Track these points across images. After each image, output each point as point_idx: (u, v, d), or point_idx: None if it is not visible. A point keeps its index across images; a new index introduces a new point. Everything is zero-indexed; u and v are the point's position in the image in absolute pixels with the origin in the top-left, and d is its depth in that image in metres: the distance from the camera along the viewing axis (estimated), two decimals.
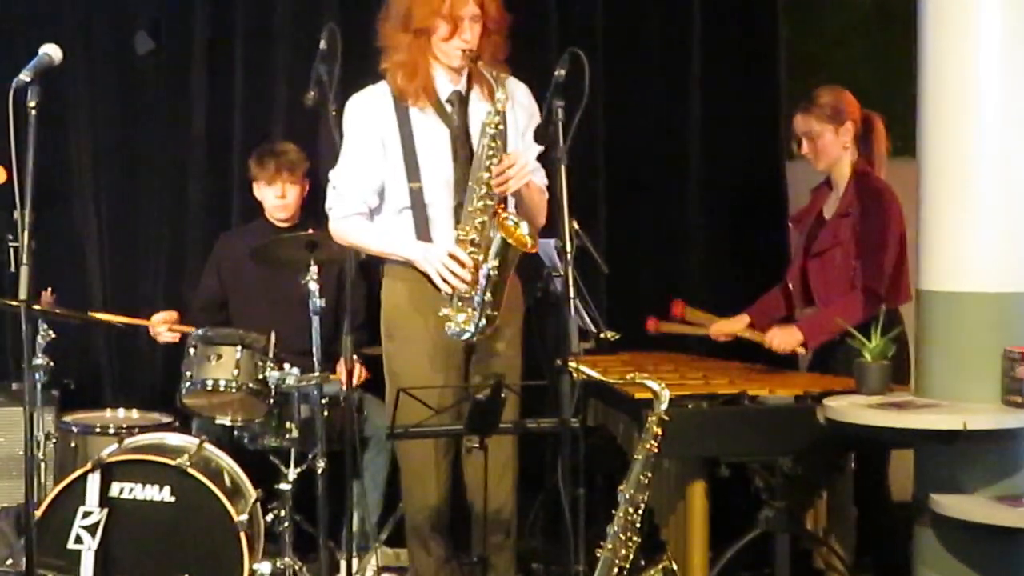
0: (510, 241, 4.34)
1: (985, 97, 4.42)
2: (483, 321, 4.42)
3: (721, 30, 6.60)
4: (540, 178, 4.69)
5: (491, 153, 4.45)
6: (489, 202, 4.44)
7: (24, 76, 4.22)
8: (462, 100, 4.60)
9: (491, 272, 4.37)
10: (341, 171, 4.64)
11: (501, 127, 4.47)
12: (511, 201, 4.54)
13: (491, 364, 4.58)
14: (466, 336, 4.46)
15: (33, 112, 4.19)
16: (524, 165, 4.44)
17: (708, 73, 6.59)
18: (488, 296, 4.39)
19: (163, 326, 5.80)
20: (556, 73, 4.23)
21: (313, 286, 5.10)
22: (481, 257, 4.41)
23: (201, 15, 6.29)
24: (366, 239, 4.65)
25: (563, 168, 4.17)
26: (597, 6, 6.50)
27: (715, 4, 6.60)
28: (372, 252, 4.69)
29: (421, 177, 4.56)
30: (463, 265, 4.41)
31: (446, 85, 4.61)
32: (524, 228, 4.37)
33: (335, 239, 4.72)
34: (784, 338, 5.25)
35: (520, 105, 4.64)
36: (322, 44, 4.43)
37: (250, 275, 5.85)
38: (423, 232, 4.57)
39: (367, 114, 4.63)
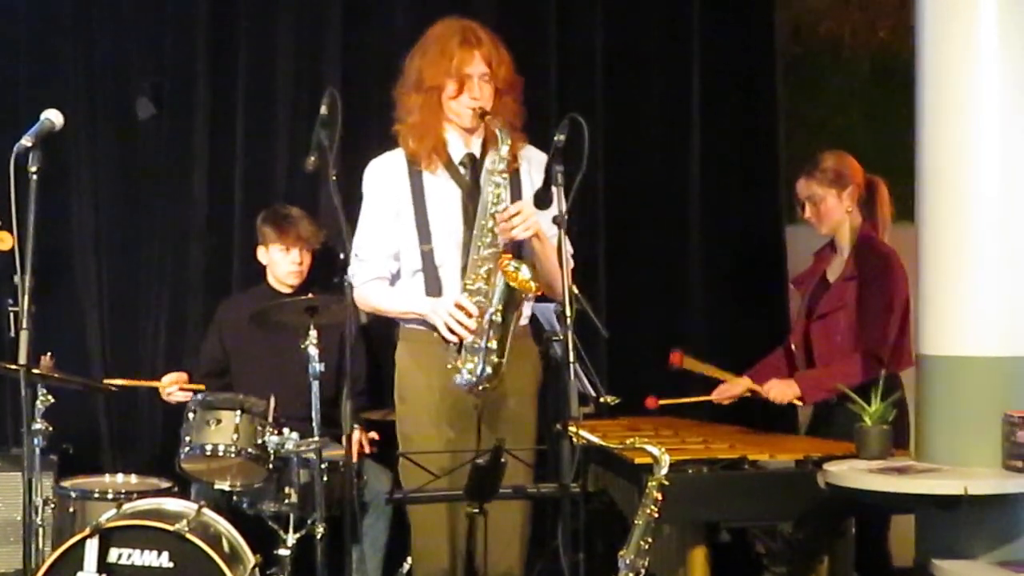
0: (513, 285, 4.35)
1: (984, 161, 4.43)
2: (487, 369, 4.41)
3: (720, 94, 6.64)
4: (564, 247, 4.70)
5: (495, 201, 4.47)
6: (495, 250, 4.46)
7: (26, 141, 4.23)
8: (475, 162, 4.61)
9: (494, 317, 4.38)
10: (360, 239, 4.68)
11: (506, 176, 4.49)
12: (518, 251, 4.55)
13: (501, 428, 4.58)
14: (469, 384, 4.45)
15: (34, 177, 4.20)
16: (530, 215, 4.43)
17: (707, 136, 6.63)
18: (492, 344, 4.39)
19: (173, 386, 5.80)
20: (556, 138, 4.25)
21: (313, 350, 5.11)
22: (487, 305, 4.43)
23: (202, 81, 6.32)
24: (382, 301, 4.69)
25: (563, 232, 4.19)
26: (596, 70, 6.54)
27: (714, 67, 6.64)
28: (390, 314, 4.72)
29: (432, 239, 4.59)
30: (469, 315, 4.41)
31: (459, 147, 4.64)
32: (525, 272, 4.38)
33: (360, 307, 4.74)
34: (782, 390, 5.29)
35: (538, 171, 4.62)
36: (323, 109, 4.45)
37: (251, 340, 5.84)
38: (434, 294, 4.58)
39: (381, 180, 4.68)
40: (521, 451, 4.42)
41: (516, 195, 4.58)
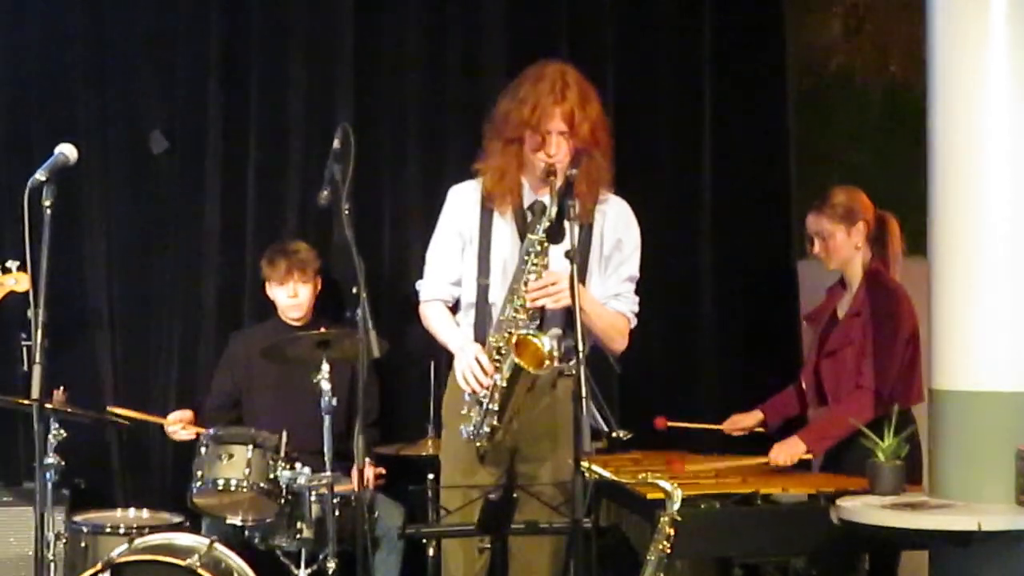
0: (520, 364, 4.36)
1: (995, 196, 4.43)
2: (484, 428, 4.48)
3: (732, 127, 6.64)
4: (626, 305, 4.74)
5: (532, 268, 4.48)
6: (522, 316, 4.48)
7: (40, 175, 4.24)
8: (544, 211, 4.56)
9: (499, 382, 4.42)
10: (428, 258, 4.81)
11: (546, 245, 4.48)
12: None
13: (535, 468, 4.59)
14: (469, 437, 4.53)
15: (48, 211, 4.21)
16: (560, 289, 4.41)
17: (718, 170, 6.63)
18: (493, 406, 4.44)
19: (178, 424, 5.79)
20: (568, 172, 4.26)
21: (325, 385, 5.10)
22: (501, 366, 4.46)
23: (215, 115, 6.33)
24: (433, 323, 4.80)
25: (575, 267, 4.19)
26: (607, 105, 6.50)
27: (726, 101, 6.65)
28: (438, 339, 4.79)
29: (490, 276, 4.64)
30: (486, 372, 4.46)
31: (533, 194, 4.67)
32: (543, 343, 4.37)
33: (423, 323, 4.85)
34: (788, 452, 5.24)
35: (612, 228, 4.66)
36: (335, 143, 4.46)
37: (262, 374, 5.85)
38: (483, 328, 4.63)
39: (456, 209, 4.77)
40: (532, 486, 4.42)
41: (584, 248, 4.58)
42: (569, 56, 6.38)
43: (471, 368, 4.48)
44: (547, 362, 4.38)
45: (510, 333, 4.46)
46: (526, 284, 4.47)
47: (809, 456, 5.30)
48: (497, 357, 4.48)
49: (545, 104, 4.52)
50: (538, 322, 4.50)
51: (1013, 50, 4.45)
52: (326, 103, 6.38)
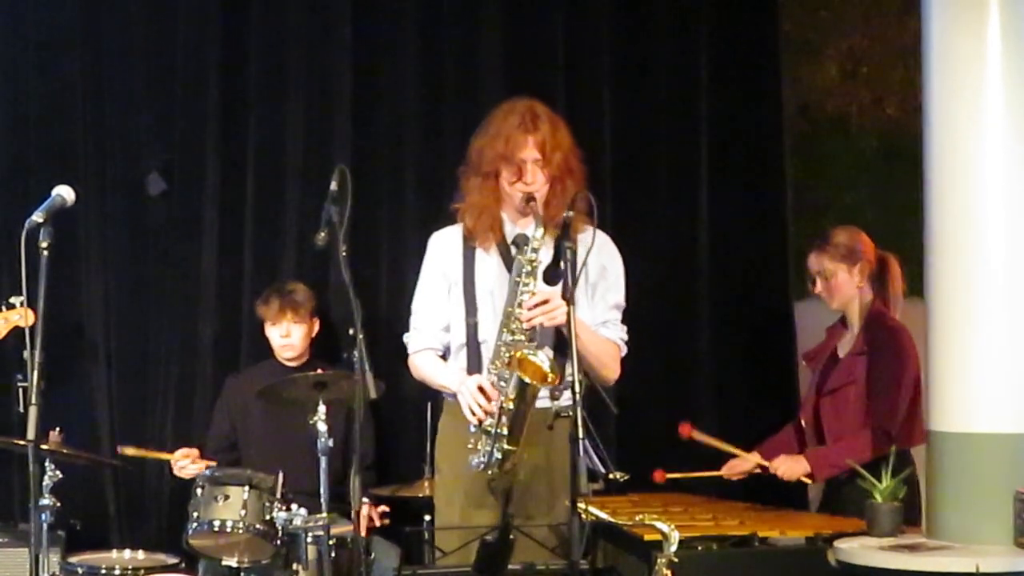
0: (525, 379, 4.35)
1: (992, 238, 4.44)
2: (496, 454, 4.45)
3: (729, 170, 6.66)
4: (615, 332, 4.76)
5: (523, 288, 4.49)
6: (519, 337, 4.48)
7: (37, 217, 4.24)
8: (527, 240, 4.61)
9: (505, 405, 4.42)
10: (414, 308, 4.83)
11: (536, 264, 4.51)
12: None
13: (531, 506, 4.58)
14: (480, 467, 4.49)
15: (45, 252, 4.21)
16: (558, 306, 4.42)
17: (716, 212, 6.64)
18: (503, 430, 4.43)
19: (185, 460, 5.78)
20: (565, 214, 4.27)
21: (321, 426, 5.09)
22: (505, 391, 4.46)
23: (212, 157, 6.34)
24: (426, 371, 4.81)
25: (572, 308, 4.19)
26: (604, 147, 6.55)
27: (723, 144, 6.67)
28: (433, 385, 4.82)
29: (478, 313, 4.66)
30: (489, 399, 4.46)
31: (515, 227, 4.70)
32: (542, 360, 4.37)
33: (413, 375, 4.89)
34: (791, 467, 5.27)
35: (596, 256, 4.65)
36: (332, 185, 4.46)
37: (259, 415, 5.84)
38: (475, 368, 4.64)
39: (438, 254, 4.80)
40: (529, 528, 4.40)
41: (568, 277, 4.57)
42: (566, 101, 6.44)
43: (474, 397, 4.48)
44: (550, 376, 4.38)
45: (510, 356, 4.47)
46: (520, 305, 4.48)
47: (809, 481, 5.30)
48: (501, 383, 4.48)
49: (516, 135, 4.60)
50: (536, 342, 4.51)
51: (1009, 94, 4.46)
52: (323, 145, 6.39)
